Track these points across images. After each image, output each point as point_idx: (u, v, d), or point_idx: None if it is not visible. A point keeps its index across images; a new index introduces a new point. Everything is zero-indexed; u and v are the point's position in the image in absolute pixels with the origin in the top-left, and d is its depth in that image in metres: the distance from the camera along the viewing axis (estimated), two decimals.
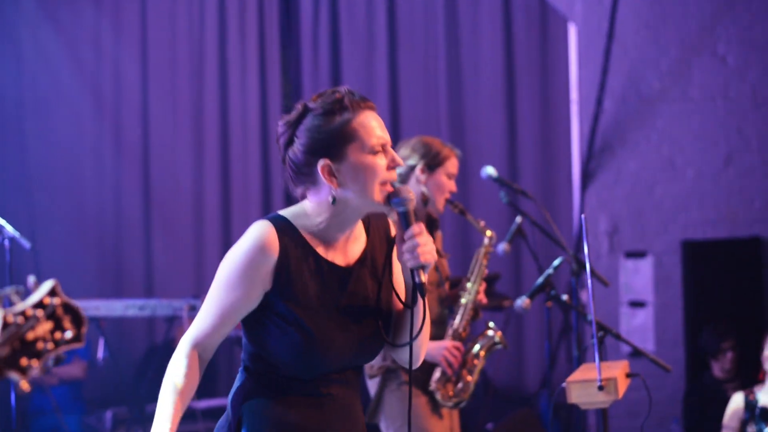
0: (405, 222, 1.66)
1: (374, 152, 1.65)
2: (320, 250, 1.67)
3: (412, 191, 1.70)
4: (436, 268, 3.00)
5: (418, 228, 1.65)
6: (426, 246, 1.63)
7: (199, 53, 5.28)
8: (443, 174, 3.02)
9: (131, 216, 5.22)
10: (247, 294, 1.61)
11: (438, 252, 3.04)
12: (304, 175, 1.67)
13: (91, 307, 4.14)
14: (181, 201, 5.17)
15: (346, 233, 1.69)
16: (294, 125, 1.69)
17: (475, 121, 5.28)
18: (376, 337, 1.70)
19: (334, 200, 1.64)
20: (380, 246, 1.74)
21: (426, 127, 5.12)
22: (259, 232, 1.63)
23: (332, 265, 1.67)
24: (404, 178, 3.02)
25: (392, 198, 1.65)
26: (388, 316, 1.73)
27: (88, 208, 5.20)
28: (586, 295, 4.59)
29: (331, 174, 1.65)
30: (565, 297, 2.99)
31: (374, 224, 1.77)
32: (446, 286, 3.06)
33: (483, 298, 3.04)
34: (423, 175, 3.00)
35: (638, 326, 4.87)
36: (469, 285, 3.03)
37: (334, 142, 1.64)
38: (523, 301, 2.90)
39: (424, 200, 2.99)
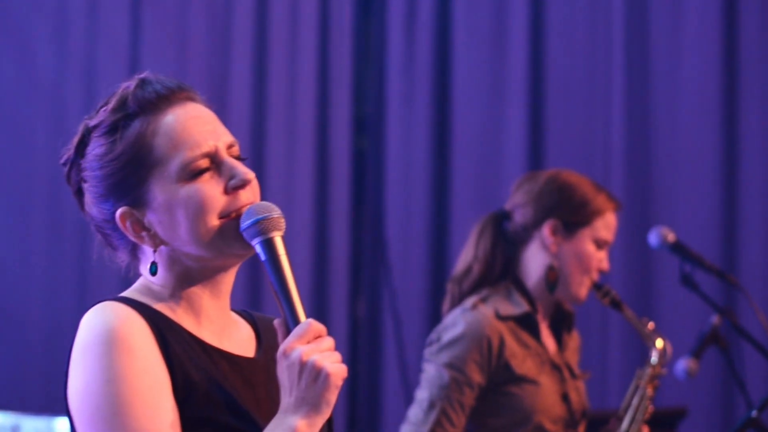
0: (273, 265, 1.64)
1: (192, 175, 1.65)
2: (198, 335, 1.69)
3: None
4: (565, 397, 2.94)
5: (307, 330, 1.60)
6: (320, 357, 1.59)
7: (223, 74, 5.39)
8: (589, 239, 3.02)
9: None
10: (168, 391, 1.61)
11: (569, 368, 2.99)
12: (114, 236, 1.70)
13: None
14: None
15: (220, 305, 1.73)
16: (76, 159, 1.72)
17: (669, 158, 5.17)
18: None
19: (153, 269, 1.67)
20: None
21: (587, 164, 5.01)
22: (109, 311, 1.62)
23: (225, 354, 1.71)
24: (521, 239, 2.99)
25: (242, 224, 1.64)
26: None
27: None
28: None
29: (138, 227, 1.67)
30: None
31: (263, 326, 1.81)
32: (581, 428, 3.04)
33: None
34: (554, 237, 3.00)
35: None
36: (622, 429, 3.01)
37: (125, 175, 1.66)
38: None
39: (552, 280, 2.99)
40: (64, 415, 4.94)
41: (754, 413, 2.98)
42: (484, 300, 2.93)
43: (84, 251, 5.22)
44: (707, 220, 4.99)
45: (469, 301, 2.94)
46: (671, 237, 3.32)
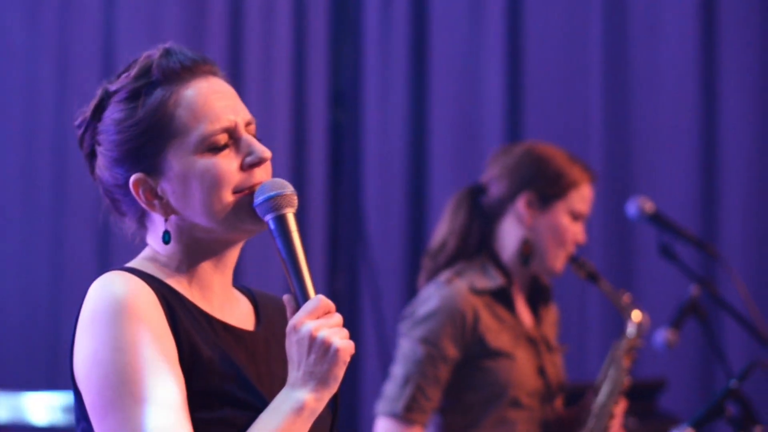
0: (284, 241, 1.68)
1: (210, 149, 1.68)
2: (203, 307, 1.73)
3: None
4: (541, 371, 2.95)
5: (317, 306, 1.63)
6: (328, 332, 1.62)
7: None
8: (564, 212, 3.01)
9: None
10: (175, 361, 1.63)
11: (545, 342, 2.99)
12: (124, 202, 1.73)
13: None
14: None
15: (224, 280, 1.77)
16: (92, 123, 1.74)
17: (648, 128, 5.16)
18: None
19: (167, 237, 1.70)
20: (280, 328, 1.74)
21: (565, 135, 4.99)
22: (117, 280, 1.64)
23: (229, 327, 1.74)
24: (497, 213, 2.99)
25: (256, 200, 1.68)
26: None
27: None
28: None
29: (151, 195, 1.70)
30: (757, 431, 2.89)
31: (263, 302, 1.84)
32: (558, 401, 3.04)
33: (618, 427, 3.02)
34: (529, 210, 3.00)
35: None
36: (598, 402, 3.00)
37: (143, 142, 1.69)
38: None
39: (525, 253, 2.98)
40: (34, 391, 4.97)
41: (733, 383, 2.97)
42: (458, 274, 2.93)
43: (58, 232, 5.23)
44: (686, 191, 4.98)
45: (444, 276, 2.94)
46: (649, 207, 3.32)
